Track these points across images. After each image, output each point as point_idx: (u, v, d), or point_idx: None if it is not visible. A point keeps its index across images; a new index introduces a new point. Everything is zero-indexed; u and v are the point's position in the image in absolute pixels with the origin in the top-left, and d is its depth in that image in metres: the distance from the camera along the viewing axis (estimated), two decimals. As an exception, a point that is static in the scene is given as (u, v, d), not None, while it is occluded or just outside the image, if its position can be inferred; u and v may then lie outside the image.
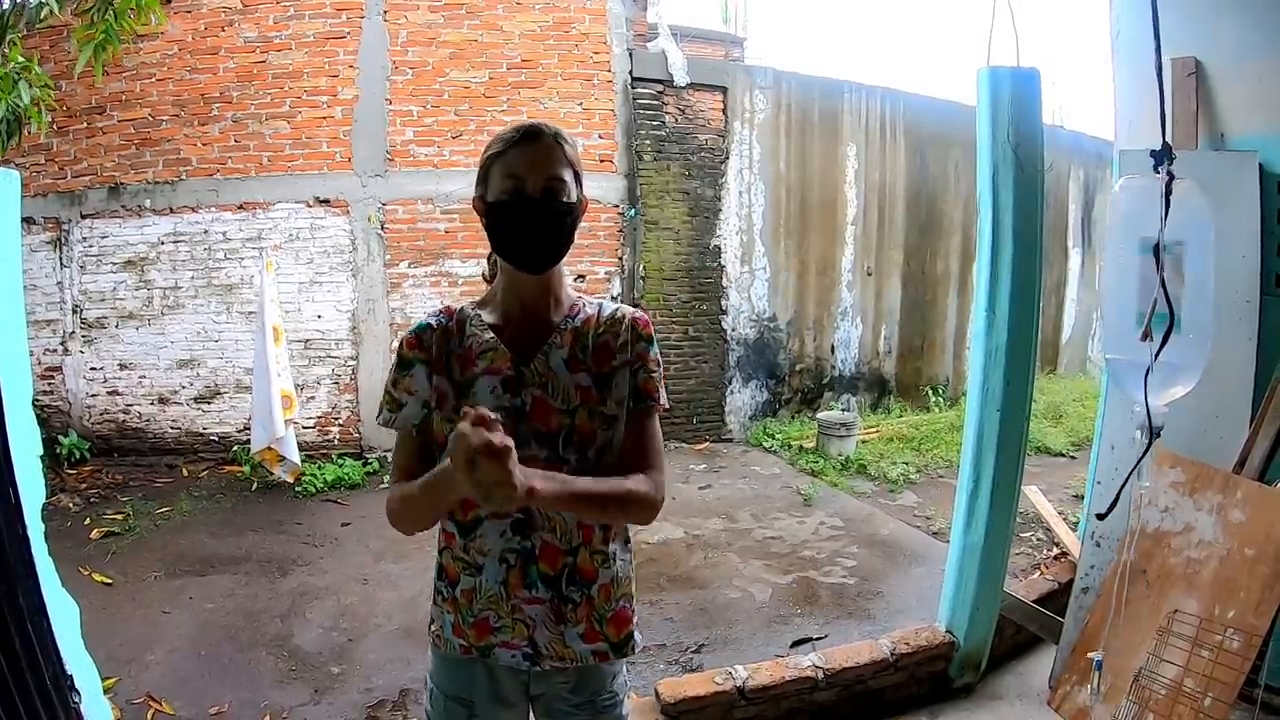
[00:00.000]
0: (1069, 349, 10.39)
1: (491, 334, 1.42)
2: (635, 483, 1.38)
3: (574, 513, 1.38)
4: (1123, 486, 2.36)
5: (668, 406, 1.52)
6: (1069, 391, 8.80)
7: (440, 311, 1.47)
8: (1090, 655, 2.46)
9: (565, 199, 1.37)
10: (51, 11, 3.91)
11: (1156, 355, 2.18)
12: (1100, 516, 2.54)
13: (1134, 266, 2.43)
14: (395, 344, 1.37)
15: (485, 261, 1.57)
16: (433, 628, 1.50)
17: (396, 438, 1.46)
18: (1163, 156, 2.22)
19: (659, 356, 1.50)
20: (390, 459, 1.45)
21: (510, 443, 1.12)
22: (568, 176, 1.37)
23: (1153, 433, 2.30)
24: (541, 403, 1.39)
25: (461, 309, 1.46)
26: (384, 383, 1.46)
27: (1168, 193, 2.08)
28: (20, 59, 3.91)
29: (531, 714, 1.53)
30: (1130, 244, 2.40)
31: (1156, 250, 2.14)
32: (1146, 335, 2.30)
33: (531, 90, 6.93)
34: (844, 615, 3.99)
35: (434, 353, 1.41)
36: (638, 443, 1.45)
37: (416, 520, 1.40)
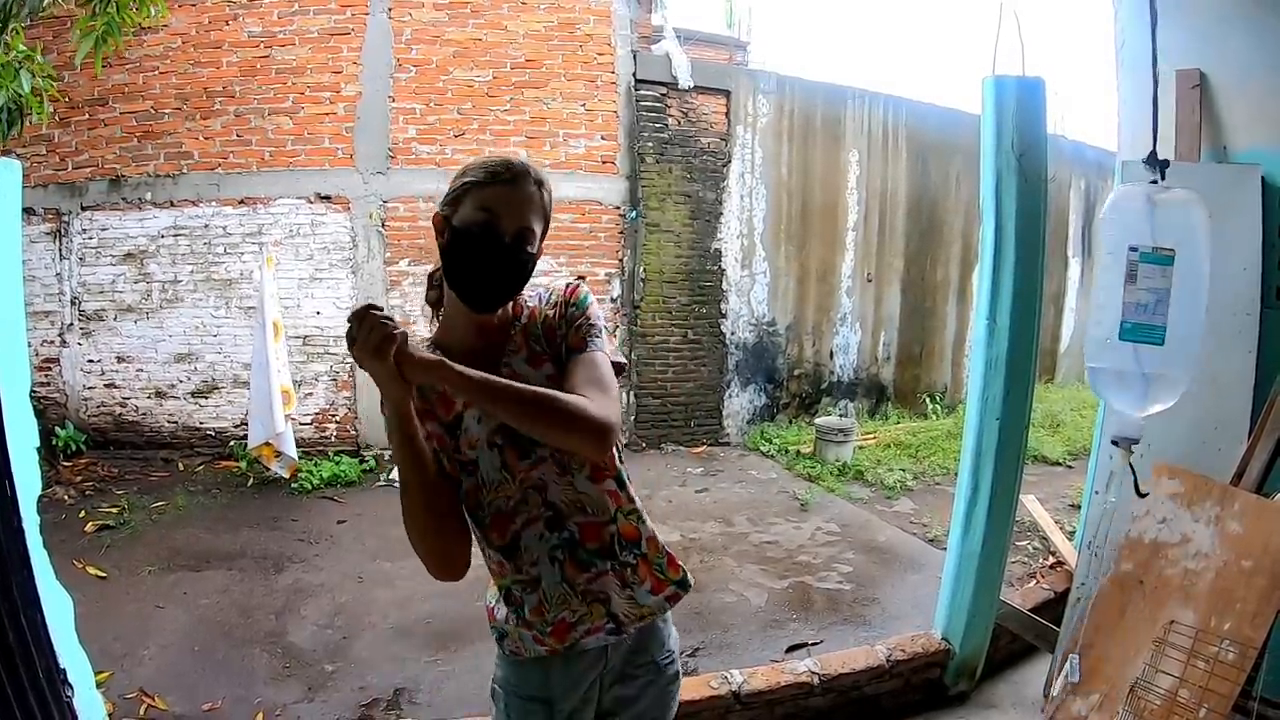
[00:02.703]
0: (1067, 358, 10.40)
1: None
2: (568, 397, 1.30)
3: (503, 412, 1.29)
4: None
5: (620, 361, 1.49)
6: (1067, 401, 8.80)
7: None
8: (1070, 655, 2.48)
9: (529, 249, 1.36)
10: (54, 0, 3.90)
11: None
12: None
13: (1120, 274, 2.43)
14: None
15: (427, 281, 1.53)
16: (507, 643, 1.50)
17: None
18: (1153, 164, 2.23)
19: (590, 313, 1.44)
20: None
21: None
22: (537, 228, 1.37)
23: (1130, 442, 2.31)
24: None
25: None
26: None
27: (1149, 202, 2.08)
28: (23, 48, 3.89)
29: (599, 693, 1.53)
30: (1119, 252, 2.40)
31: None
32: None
33: (535, 90, 6.94)
34: (840, 621, 3.99)
35: (418, 404, 1.33)
36: (573, 383, 1.36)
37: (416, 514, 1.32)
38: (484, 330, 1.42)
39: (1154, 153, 2.23)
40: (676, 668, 1.59)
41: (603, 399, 1.33)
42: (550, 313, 1.46)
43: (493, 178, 1.34)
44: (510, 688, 1.51)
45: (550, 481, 1.40)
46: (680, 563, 1.55)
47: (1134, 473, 2.41)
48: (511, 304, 1.46)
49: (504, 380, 1.25)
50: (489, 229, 1.32)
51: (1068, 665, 2.52)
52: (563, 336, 1.43)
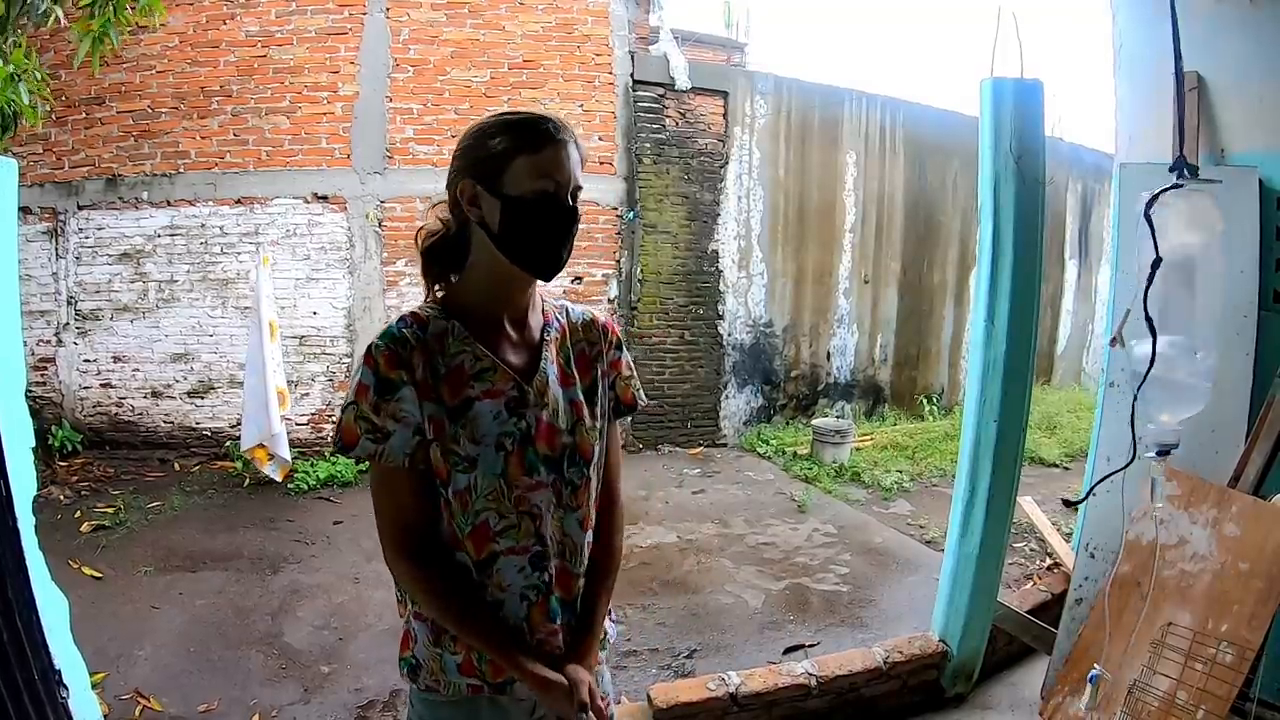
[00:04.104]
0: (1064, 360, 10.43)
1: (484, 349, 1.29)
2: (617, 533, 1.49)
3: None
4: (1098, 482, 2.36)
5: (647, 403, 1.56)
6: (1063, 403, 8.83)
7: (410, 320, 1.27)
8: (1092, 671, 2.46)
9: (579, 204, 1.30)
10: (57, 19, 3.89)
11: (1147, 373, 2.19)
12: (1068, 503, 2.56)
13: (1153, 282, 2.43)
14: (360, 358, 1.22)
15: (423, 256, 1.38)
16: (422, 674, 1.36)
17: (381, 475, 1.27)
18: (1180, 168, 2.22)
19: (630, 359, 1.51)
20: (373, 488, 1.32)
21: None
22: (584, 182, 1.31)
23: (1135, 450, 2.30)
24: (545, 425, 1.31)
25: (432, 317, 1.29)
26: (345, 406, 1.24)
27: (1148, 208, 2.08)
28: (22, 59, 3.88)
29: None
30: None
31: (1154, 264, 2.15)
32: (1115, 342, 2.30)
33: (533, 90, 6.93)
34: (837, 623, 3.99)
35: (419, 374, 1.24)
36: (613, 453, 1.48)
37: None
38: (523, 312, 1.35)
39: (1181, 156, 2.22)
40: (613, 710, 1.51)
41: (621, 477, 1.52)
42: (584, 340, 1.43)
43: (543, 139, 1.23)
44: None
45: (545, 511, 1.32)
46: (607, 624, 1.53)
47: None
48: (540, 309, 1.40)
49: (601, 616, 1.44)
50: (553, 197, 1.24)
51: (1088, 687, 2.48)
52: (602, 375, 1.44)
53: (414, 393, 1.23)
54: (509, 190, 1.23)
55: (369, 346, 1.25)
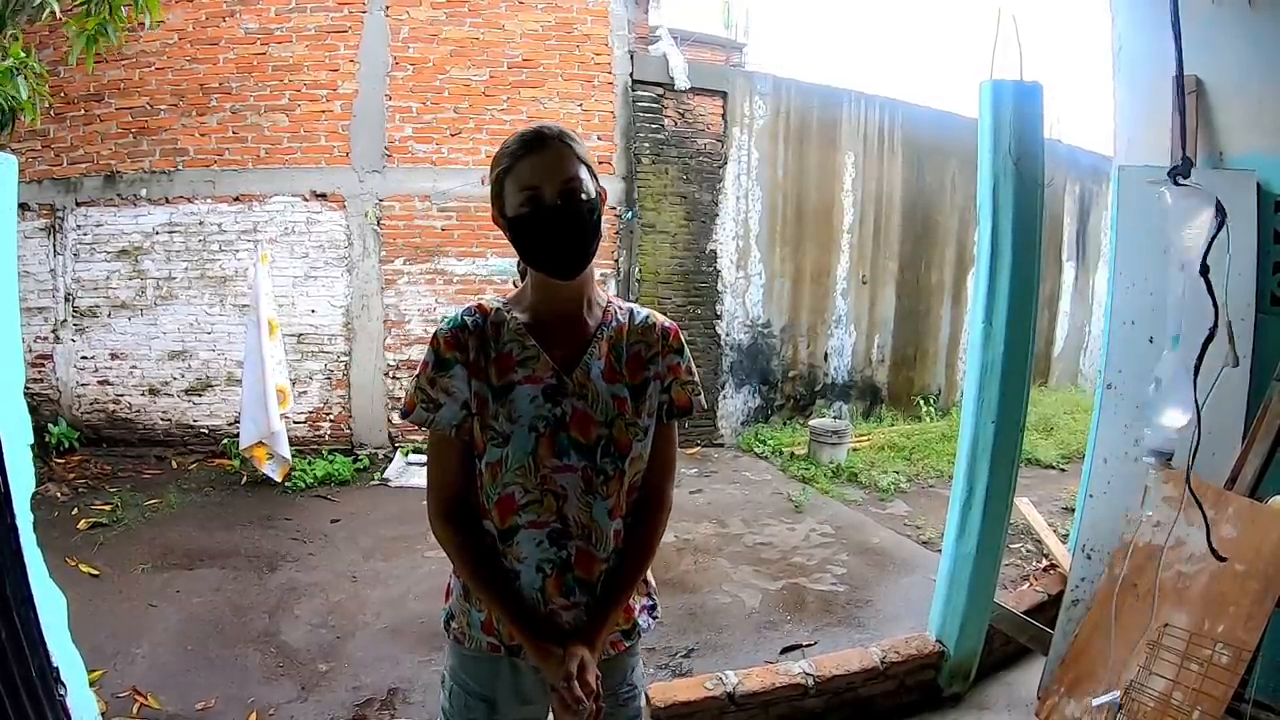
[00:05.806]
0: (1060, 362, 10.44)
1: (533, 340, 1.40)
2: (656, 532, 1.50)
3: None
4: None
5: (706, 407, 1.59)
6: (1060, 404, 8.85)
7: (475, 310, 1.42)
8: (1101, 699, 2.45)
9: (585, 196, 1.35)
10: (53, 13, 3.89)
11: (1197, 372, 2.17)
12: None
13: (1166, 283, 2.43)
14: (428, 338, 1.45)
15: (514, 265, 1.56)
16: (453, 625, 1.49)
17: (433, 442, 1.44)
18: (1187, 169, 2.23)
19: (691, 364, 1.53)
20: (424, 461, 1.47)
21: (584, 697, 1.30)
22: (583, 174, 1.35)
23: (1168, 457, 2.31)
24: (581, 414, 1.39)
25: (496, 309, 1.42)
26: (413, 378, 1.42)
27: (1221, 214, 2.07)
28: (20, 54, 3.86)
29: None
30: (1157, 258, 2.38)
31: (1203, 268, 2.14)
32: (1235, 362, 2.29)
33: (532, 90, 6.93)
34: (834, 623, 3.99)
35: (472, 356, 1.38)
36: (663, 454, 1.51)
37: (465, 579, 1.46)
38: (572, 309, 1.44)
39: (1185, 158, 2.23)
40: (639, 704, 1.57)
41: (672, 478, 1.55)
42: (641, 341, 1.48)
43: (517, 156, 1.33)
44: (457, 678, 1.50)
45: (572, 494, 1.39)
46: (635, 613, 1.54)
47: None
48: (600, 308, 1.47)
49: (618, 601, 1.44)
50: (536, 203, 1.32)
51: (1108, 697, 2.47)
52: (656, 377, 1.47)
53: (465, 372, 1.38)
54: (509, 213, 1.36)
55: (435, 330, 1.41)
